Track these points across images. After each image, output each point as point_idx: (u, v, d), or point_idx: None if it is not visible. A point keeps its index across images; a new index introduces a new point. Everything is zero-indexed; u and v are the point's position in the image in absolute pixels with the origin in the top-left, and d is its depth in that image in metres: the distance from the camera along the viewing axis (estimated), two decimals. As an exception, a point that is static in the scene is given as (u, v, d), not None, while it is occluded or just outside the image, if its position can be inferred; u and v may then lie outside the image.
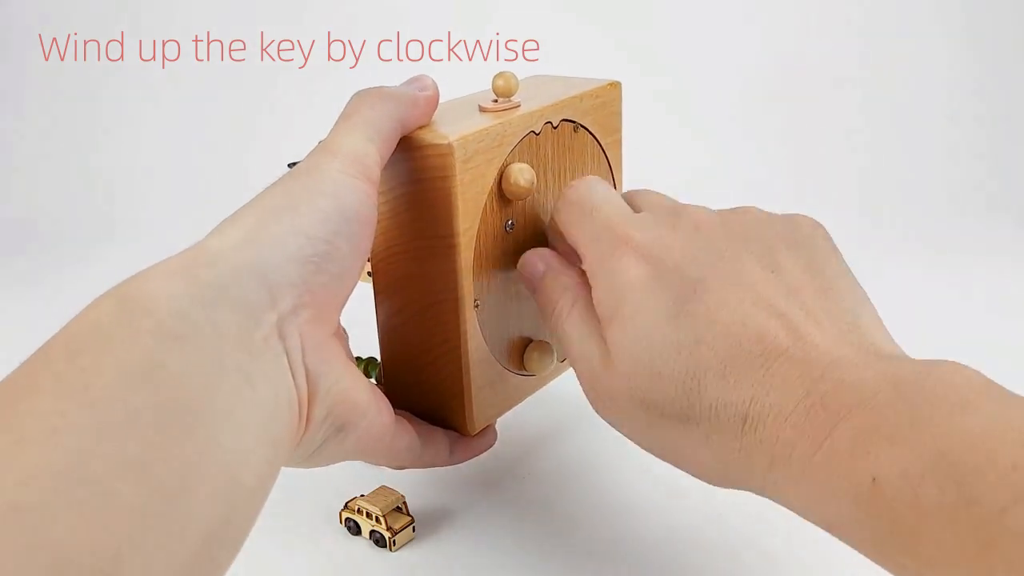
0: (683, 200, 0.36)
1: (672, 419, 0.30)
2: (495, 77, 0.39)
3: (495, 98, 0.39)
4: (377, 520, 0.40)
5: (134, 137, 1.08)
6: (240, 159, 1.06)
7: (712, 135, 1.05)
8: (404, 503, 0.41)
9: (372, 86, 0.35)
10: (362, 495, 0.41)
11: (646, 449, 0.33)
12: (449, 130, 0.35)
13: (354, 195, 0.31)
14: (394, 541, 0.40)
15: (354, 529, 0.41)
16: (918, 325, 0.45)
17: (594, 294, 0.33)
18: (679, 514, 0.42)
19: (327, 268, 0.29)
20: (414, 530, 0.41)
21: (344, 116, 0.34)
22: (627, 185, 0.44)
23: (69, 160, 1.07)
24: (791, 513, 0.28)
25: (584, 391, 0.34)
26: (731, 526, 0.41)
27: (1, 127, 1.09)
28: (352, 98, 0.35)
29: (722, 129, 1.06)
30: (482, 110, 0.38)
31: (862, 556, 0.26)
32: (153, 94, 1.10)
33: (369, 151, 0.32)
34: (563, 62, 1.00)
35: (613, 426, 0.33)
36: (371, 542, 0.41)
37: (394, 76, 0.39)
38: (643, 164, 1.03)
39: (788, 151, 1.03)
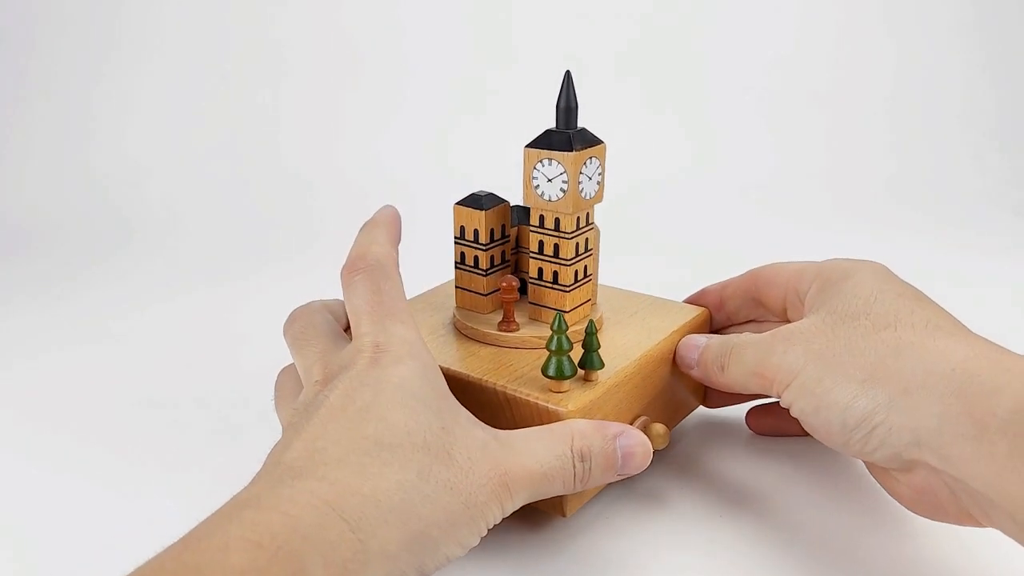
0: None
1: None
2: (658, 428, 0.40)
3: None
4: None
5: (125, 138, 1.08)
6: (236, 161, 1.06)
7: (728, 130, 1.06)
8: None
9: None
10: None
11: None
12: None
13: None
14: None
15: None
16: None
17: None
18: (677, 511, 0.43)
19: None
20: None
21: (549, 446, 0.35)
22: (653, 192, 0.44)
23: (61, 160, 1.06)
24: (793, 537, 0.28)
25: None
26: (737, 524, 0.42)
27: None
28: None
29: (735, 125, 1.07)
30: None
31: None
32: (147, 94, 1.10)
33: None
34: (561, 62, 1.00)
35: None
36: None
37: (397, 76, 0.39)
38: (655, 161, 1.04)
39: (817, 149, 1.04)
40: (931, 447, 0.32)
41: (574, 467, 0.34)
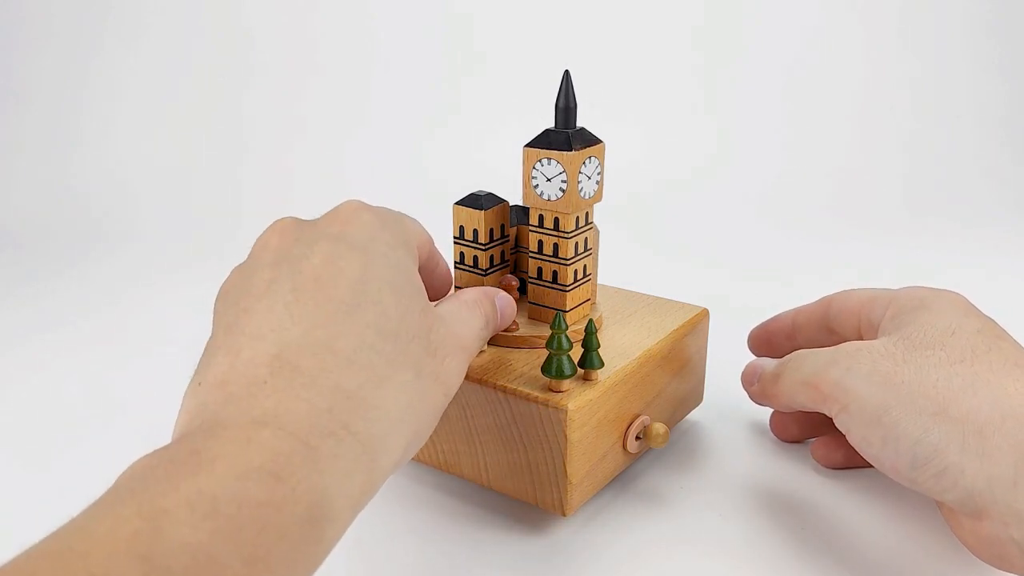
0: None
1: None
2: (657, 427, 0.41)
3: (640, 438, 0.42)
4: None
5: (105, 137, 1.08)
6: (230, 163, 1.05)
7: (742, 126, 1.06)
8: None
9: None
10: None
11: None
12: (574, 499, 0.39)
13: None
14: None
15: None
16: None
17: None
18: (676, 510, 0.43)
19: None
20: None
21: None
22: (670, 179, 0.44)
23: (49, 165, 1.06)
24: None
25: None
26: (737, 524, 0.42)
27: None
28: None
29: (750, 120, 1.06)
30: (625, 451, 0.42)
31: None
32: (139, 96, 1.09)
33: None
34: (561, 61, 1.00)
35: None
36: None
37: (390, 76, 0.39)
38: (669, 155, 1.04)
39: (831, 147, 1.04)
40: (1004, 500, 0.31)
41: (485, 335, 0.35)
